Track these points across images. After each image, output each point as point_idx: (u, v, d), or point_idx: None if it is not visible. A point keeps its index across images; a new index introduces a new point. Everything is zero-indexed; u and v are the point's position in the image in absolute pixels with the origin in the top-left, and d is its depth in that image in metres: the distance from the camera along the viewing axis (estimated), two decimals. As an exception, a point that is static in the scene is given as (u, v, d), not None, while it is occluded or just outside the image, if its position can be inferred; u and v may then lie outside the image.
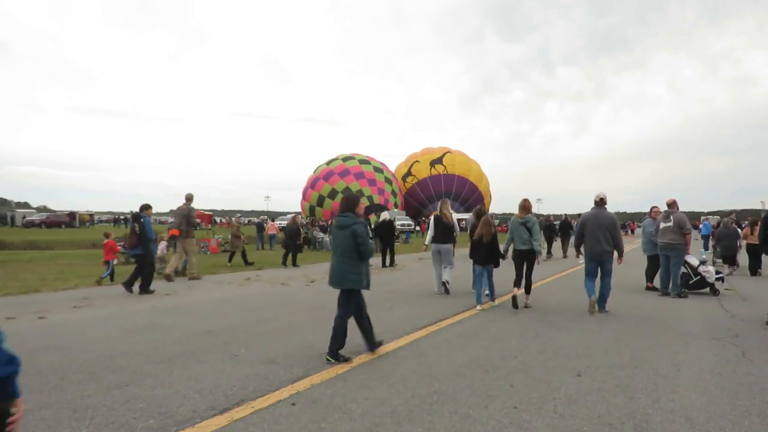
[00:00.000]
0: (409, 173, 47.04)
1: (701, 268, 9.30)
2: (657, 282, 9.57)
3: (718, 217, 19.72)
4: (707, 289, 9.30)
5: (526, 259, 7.67)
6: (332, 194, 39.80)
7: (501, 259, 7.87)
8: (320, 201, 40.72)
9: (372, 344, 4.97)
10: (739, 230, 14.44)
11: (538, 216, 20.02)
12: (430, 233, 9.42)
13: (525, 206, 7.85)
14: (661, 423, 3.34)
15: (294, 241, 15.05)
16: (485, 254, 7.64)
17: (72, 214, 55.06)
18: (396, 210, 39.66)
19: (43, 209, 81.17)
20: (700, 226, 22.90)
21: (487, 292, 7.84)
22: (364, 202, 5.82)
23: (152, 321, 6.61)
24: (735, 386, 4.09)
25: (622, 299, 8.62)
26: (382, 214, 20.78)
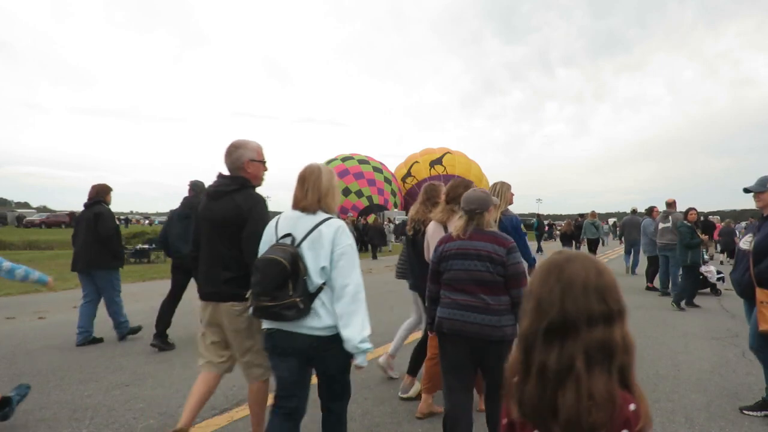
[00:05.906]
0: (408, 174, 46.98)
1: (703, 269, 9.29)
2: (657, 282, 9.57)
3: (728, 219, 21.17)
4: (708, 289, 9.30)
5: (594, 243, 15.23)
6: (332, 194, 39.82)
7: (577, 244, 17.75)
8: (320, 201, 40.75)
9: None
10: (736, 230, 18.35)
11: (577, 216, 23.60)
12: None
13: (593, 215, 15.41)
14: (661, 423, 3.34)
15: (382, 238, 21.18)
16: (568, 240, 16.48)
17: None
18: (396, 210, 39.66)
19: (43, 209, 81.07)
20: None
21: None
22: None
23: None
24: (735, 386, 4.10)
25: (622, 299, 8.63)
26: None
